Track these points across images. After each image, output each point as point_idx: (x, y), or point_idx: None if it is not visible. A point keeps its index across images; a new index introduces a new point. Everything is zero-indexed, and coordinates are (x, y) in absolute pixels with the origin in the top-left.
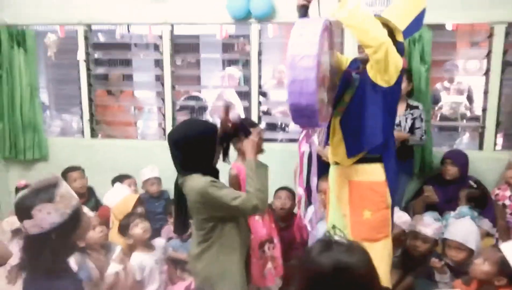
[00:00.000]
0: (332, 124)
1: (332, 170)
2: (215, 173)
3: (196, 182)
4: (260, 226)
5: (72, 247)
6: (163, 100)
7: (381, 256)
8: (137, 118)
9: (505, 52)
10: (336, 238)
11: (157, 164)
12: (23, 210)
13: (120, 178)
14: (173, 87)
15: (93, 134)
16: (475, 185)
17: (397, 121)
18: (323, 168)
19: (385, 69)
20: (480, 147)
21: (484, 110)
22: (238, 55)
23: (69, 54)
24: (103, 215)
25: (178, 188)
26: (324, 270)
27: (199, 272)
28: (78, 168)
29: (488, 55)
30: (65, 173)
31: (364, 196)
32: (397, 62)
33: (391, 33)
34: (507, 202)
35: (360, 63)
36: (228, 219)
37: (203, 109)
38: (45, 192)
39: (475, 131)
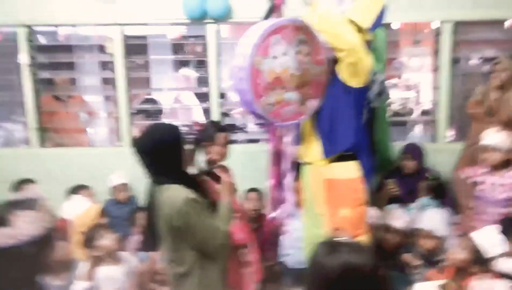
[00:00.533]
0: (303, 124)
1: (305, 169)
2: (192, 182)
3: (176, 192)
4: (237, 230)
5: (43, 267)
6: (115, 104)
7: None
8: (88, 125)
9: (452, 50)
10: (339, 239)
11: (111, 172)
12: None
13: (76, 189)
14: (127, 90)
15: (41, 143)
16: (433, 177)
17: None
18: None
19: (356, 71)
20: (433, 139)
21: (435, 104)
22: (191, 56)
23: (7, 58)
24: (60, 229)
25: (150, 198)
26: (333, 272)
27: None
28: (31, 180)
29: (436, 53)
30: (17, 187)
31: (340, 194)
32: (368, 63)
33: (358, 32)
34: (479, 179)
35: None
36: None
37: (159, 112)
38: (25, 201)
39: (427, 125)
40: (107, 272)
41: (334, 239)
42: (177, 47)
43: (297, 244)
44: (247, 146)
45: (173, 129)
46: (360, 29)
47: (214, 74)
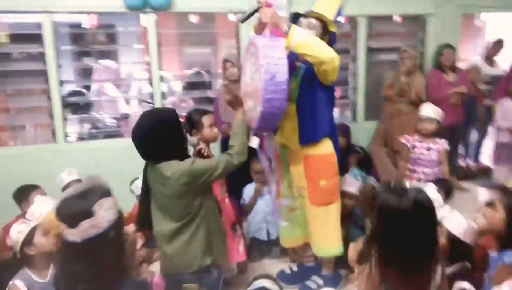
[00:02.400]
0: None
1: (283, 150)
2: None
3: (178, 165)
4: (229, 208)
5: (123, 249)
6: (49, 97)
7: (336, 214)
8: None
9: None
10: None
11: (50, 170)
12: (83, 211)
13: (26, 190)
14: (61, 83)
15: None
16: (360, 151)
17: None
18: None
19: (331, 75)
20: (354, 119)
21: (354, 88)
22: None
23: None
24: None
25: (146, 180)
26: (406, 210)
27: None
28: (38, 187)
29: (354, 43)
30: (26, 192)
31: (319, 167)
32: (338, 64)
33: (325, 25)
34: (417, 144)
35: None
36: (207, 200)
37: (89, 105)
38: (102, 190)
39: (346, 107)
40: None
41: (398, 185)
42: (77, 37)
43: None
44: None
45: (170, 111)
46: (326, 22)
47: (156, 62)
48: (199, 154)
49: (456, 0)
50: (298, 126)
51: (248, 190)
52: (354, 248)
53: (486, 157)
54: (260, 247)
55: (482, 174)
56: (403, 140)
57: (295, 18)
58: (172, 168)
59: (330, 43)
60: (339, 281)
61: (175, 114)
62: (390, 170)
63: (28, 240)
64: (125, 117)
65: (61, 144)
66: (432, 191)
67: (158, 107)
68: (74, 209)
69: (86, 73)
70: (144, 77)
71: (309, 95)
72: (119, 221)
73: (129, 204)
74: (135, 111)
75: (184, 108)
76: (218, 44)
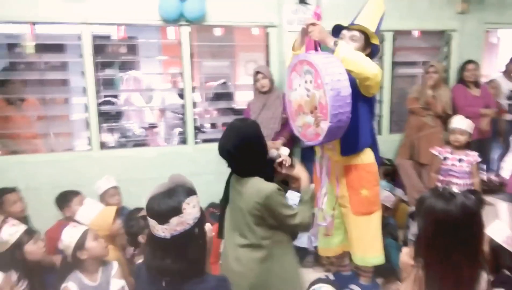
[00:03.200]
0: None
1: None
2: (271, 173)
3: (262, 185)
4: None
5: (206, 246)
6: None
7: (377, 224)
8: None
9: (393, 54)
10: (451, 190)
11: (86, 177)
12: (172, 208)
13: (68, 196)
14: (97, 93)
15: None
16: (388, 163)
17: None
18: None
19: (374, 89)
20: (379, 132)
21: (380, 102)
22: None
23: None
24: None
25: (227, 190)
26: (455, 213)
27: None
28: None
29: (380, 57)
30: (68, 197)
31: (360, 176)
32: (380, 78)
33: (367, 37)
34: (448, 155)
35: None
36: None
37: (120, 114)
38: (188, 188)
39: None
40: None
41: (446, 190)
42: (99, 48)
43: None
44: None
45: (255, 125)
46: (369, 35)
47: (188, 74)
48: (281, 166)
49: (480, 17)
50: (341, 137)
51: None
52: (408, 253)
53: (508, 171)
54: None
55: (503, 188)
56: (434, 152)
57: (336, 30)
58: (254, 185)
59: (372, 55)
60: None
61: (259, 128)
62: (416, 182)
63: (80, 244)
64: (153, 126)
65: (96, 151)
66: None
67: (241, 120)
68: (163, 206)
69: (107, 84)
70: (167, 87)
71: (352, 106)
72: (202, 219)
73: None
74: (161, 121)
75: (208, 118)
76: (236, 57)
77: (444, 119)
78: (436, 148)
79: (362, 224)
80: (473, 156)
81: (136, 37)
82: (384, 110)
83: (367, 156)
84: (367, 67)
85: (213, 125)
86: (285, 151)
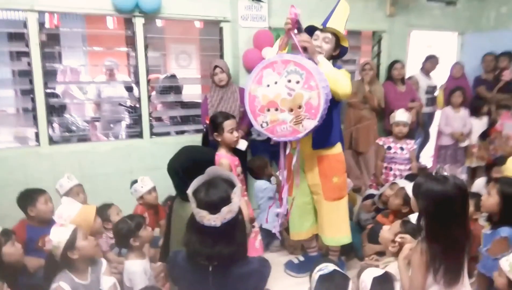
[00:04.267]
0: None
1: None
2: None
3: None
4: (249, 205)
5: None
6: (32, 99)
7: (346, 208)
8: None
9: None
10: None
11: (34, 174)
12: (222, 198)
13: (32, 195)
14: (45, 84)
15: None
16: None
17: None
18: None
19: (342, 98)
20: None
21: None
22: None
23: None
24: None
25: (170, 213)
26: (450, 193)
27: None
28: (44, 191)
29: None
30: (33, 197)
31: (332, 166)
32: (349, 93)
33: (338, 39)
34: (392, 145)
35: None
36: None
37: (64, 107)
38: (231, 179)
39: None
40: (137, 265)
41: (438, 174)
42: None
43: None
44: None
45: (208, 151)
46: (342, 37)
47: (143, 66)
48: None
49: (405, 19)
50: (313, 133)
51: (259, 186)
52: (389, 231)
53: (426, 158)
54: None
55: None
56: (380, 142)
57: (309, 30)
58: None
59: (341, 55)
60: (344, 267)
61: (214, 156)
62: (354, 170)
63: (71, 244)
64: (96, 120)
65: (44, 147)
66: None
67: (198, 146)
68: (214, 197)
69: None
70: (103, 80)
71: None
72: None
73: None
74: (102, 114)
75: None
76: (167, 49)
77: (378, 112)
78: (381, 138)
79: (333, 208)
80: (411, 144)
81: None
82: None
83: (336, 148)
84: (341, 86)
85: (159, 119)
86: (243, 144)
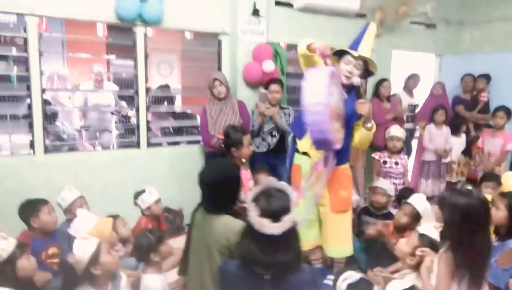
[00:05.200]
0: None
1: (305, 160)
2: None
3: (235, 223)
4: None
5: None
6: (29, 106)
7: (350, 220)
8: None
9: None
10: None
11: (28, 184)
12: (284, 208)
13: (34, 206)
14: (43, 91)
15: None
16: None
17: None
18: None
19: None
20: None
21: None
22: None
23: None
24: None
25: (191, 225)
26: (475, 205)
27: None
28: (47, 201)
29: None
30: (36, 207)
31: (340, 179)
32: None
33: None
34: (387, 159)
35: None
36: None
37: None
38: (276, 189)
39: None
40: (156, 280)
41: (463, 188)
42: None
43: None
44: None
45: (236, 168)
46: (372, 65)
47: (143, 75)
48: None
49: (389, 40)
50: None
51: None
52: (406, 243)
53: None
54: None
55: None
56: (375, 156)
57: (338, 54)
58: (226, 223)
59: (364, 77)
60: None
61: (238, 170)
62: None
63: (95, 258)
64: (86, 129)
65: (39, 156)
66: (423, 200)
67: (225, 160)
68: (276, 206)
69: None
70: (90, 87)
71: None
72: None
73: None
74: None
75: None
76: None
77: None
78: (377, 153)
79: (338, 220)
80: (405, 159)
81: None
82: None
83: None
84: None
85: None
86: None
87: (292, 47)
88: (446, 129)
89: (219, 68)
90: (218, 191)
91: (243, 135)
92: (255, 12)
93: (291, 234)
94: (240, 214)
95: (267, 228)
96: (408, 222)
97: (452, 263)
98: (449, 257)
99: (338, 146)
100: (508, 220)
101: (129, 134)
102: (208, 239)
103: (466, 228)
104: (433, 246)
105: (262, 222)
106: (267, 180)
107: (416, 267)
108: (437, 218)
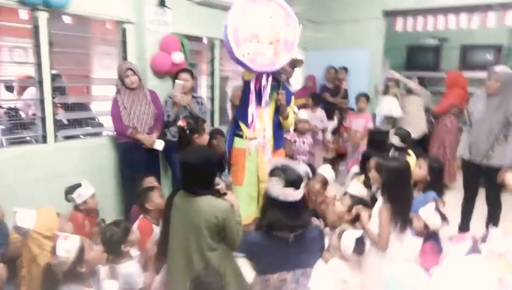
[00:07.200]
0: (260, 114)
1: (250, 144)
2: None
3: (219, 201)
4: None
5: None
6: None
7: None
8: None
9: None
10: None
11: None
12: (301, 176)
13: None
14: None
15: None
16: None
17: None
18: None
19: None
20: (213, 124)
21: (212, 100)
22: None
23: None
24: None
25: (169, 209)
26: (403, 167)
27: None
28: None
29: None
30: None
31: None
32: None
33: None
34: (296, 139)
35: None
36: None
37: None
38: (287, 163)
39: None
40: (131, 265)
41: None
42: None
43: None
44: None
45: (214, 153)
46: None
47: (47, 63)
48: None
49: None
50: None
51: None
52: (342, 204)
53: None
54: None
55: None
56: (287, 137)
57: None
58: (211, 202)
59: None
60: None
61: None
62: None
63: (80, 258)
64: None
65: None
66: (330, 169)
67: (206, 146)
68: (296, 176)
69: None
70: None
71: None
72: None
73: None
74: None
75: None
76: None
77: None
78: (288, 134)
79: None
80: (309, 138)
81: None
82: (215, 106)
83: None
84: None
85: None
86: (160, 144)
87: (192, 38)
88: (320, 112)
89: (125, 58)
90: (202, 173)
91: (203, 122)
92: (162, 3)
93: (305, 198)
94: (222, 194)
95: (291, 196)
96: (319, 187)
97: (390, 211)
98: (388, 208)
99: (264, 69)
100: (427, 177)
101: (20, 129)
102: (194, 219)
103: (398, 185)
104: (362, 202)
105: (287, 191)
106: (275, 159)
107: (352, 222)
108: (374, 179)
